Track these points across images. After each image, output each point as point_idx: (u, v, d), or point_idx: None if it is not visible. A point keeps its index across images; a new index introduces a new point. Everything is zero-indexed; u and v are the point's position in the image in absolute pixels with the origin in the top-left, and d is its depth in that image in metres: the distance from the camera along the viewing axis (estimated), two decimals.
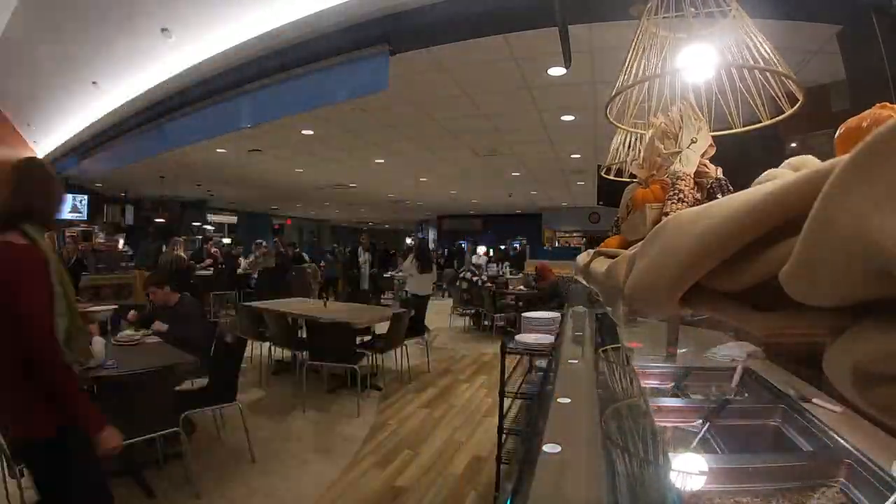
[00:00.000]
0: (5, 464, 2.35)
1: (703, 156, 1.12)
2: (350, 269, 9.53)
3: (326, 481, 2.90)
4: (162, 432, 2.54)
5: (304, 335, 4.66)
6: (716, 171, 1.10)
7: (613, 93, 1.33)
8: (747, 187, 0.41)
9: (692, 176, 1.07)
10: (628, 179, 1.68)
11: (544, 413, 1.25)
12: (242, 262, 9.17)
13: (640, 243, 0.49)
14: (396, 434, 3.64)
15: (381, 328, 4.84)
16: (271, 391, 3.23)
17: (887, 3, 2.53)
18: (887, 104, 0.64)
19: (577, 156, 7.76)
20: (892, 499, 0.90)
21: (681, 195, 1.02)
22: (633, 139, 1.70)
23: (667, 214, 0.99)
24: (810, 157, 0.72)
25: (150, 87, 5.28)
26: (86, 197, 9.82)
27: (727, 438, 1.34)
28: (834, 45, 2.99)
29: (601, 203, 7.29)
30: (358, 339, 4.69)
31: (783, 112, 1.21)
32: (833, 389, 1.36)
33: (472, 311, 8.12)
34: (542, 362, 2.66)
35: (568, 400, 1.29)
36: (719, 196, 1.00)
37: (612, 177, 1.88)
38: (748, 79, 1.21)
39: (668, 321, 2.04)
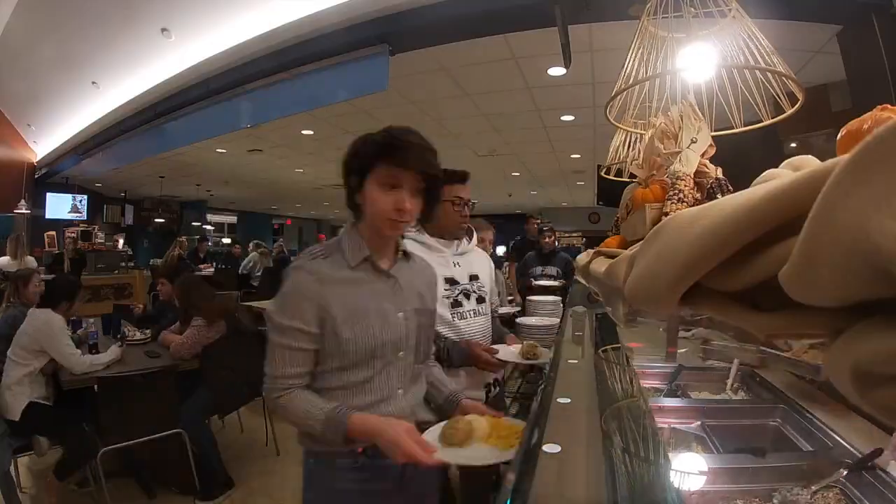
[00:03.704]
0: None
1: (702, 156, 1.12)
2: None
3: None
4: (163, 433, 2.54)
5: None
6: (716, 171, 1.10)
7: (613, 93, 1.33)
8: (747, 187, 0.41)
9: (692, 176, 1.07)
10: (628, 179, 1.68)
11: (544, 413, 1.25)
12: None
13: (639, 243, 0.50)
14: None
15: None
16: None
17: (887, 3, 2.53)
18: (888, 106, 0.64)
19: (577, 156, 7.75)
20: None
21: (680, 195, 1.02)
22: (632, 139, 1.70)
23: (667, 214, 1.00)
24: (810, 157, 0.72)
25: (149, 87, 5.28)
26: (86, 197, 9.80)
27: (727, 438, 1.33)
28: (834, 45, 2.99)
29: (601, 203, 7.28)
30: None
31: (783, 112, 1.21)
32: (833, 389, 1.36)
33: None
34: None
35: (568, 400, 1.29)
36: (719, 196, 1.00)
37: (611, 177, 1.88)
38: (748, 79, 1.21)
39: (668, 321, 2.04)
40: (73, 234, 8.23)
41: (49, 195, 9.19)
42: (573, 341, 2.05)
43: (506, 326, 2.29)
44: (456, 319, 1.68)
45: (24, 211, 8.32)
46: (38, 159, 8.76)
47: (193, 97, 5.07)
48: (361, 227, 1.16)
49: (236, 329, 3.01)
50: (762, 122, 1.25)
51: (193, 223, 14.52)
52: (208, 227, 15.38)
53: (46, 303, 2.61)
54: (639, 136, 1.59)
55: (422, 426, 1.11)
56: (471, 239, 1.83)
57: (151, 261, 10.39)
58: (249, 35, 4.09)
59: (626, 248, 0.83)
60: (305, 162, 8.55)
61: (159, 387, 2.59)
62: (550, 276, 4.38)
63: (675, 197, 1.02)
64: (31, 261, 6.26)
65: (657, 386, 1.78)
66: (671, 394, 1.65)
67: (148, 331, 3.31)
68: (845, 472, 1.02)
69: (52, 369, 2.57)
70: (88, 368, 2.52)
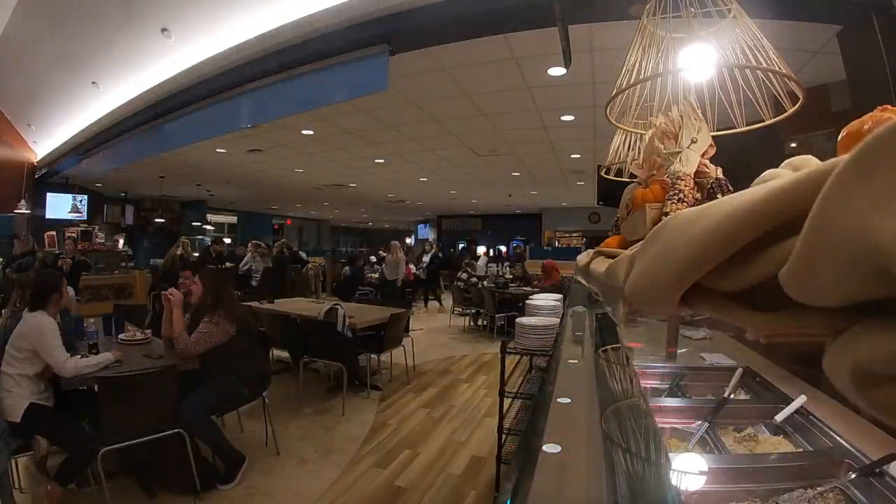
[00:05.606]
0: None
1: (703, 156, 1.12)
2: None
3: (326, 481, 2.90)
4: (164, 433, 2.54)
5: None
6: (716, 171, 1.10)
7: (613, 93, 1.33)
8: (747, 187, 0.41)
9: (692, 176, 1.07)
10: (628, 179, 1.68)
11: (544, 413, 1.25)
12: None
13: (640, 243, 0.49)
14: (396, 434, 3.64)
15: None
16: (271, 391, 3.24)
17: (887, 4, 2.53)
18: (888, 107, 0.64)
19: (577, 156, 7.75)
20: None
21: (681, 195, 1.02)
22: (633, 139, 1.70)
23: (667, 214, 0.99)
24: (810, 157, 0.72)
25: (149, 87, 5.28)
26: (86, 197, 9.81)
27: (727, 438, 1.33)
28: (834, 45, 2.99)
29: (601, 203, 7.28)
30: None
31: (783, 112, 1.21)
32: (833, 389, 1.36)
33: (473, 311, 8.14)
34: (542, 362, 2.66)
35: (568, 400, 1.29)
36: (719, 196, 1.00)
37: (612, 177, 1.88)
38: (749, 79, 1.21)
39: (669, 321, 2.04)
40: (73, 235, 8.23)
41: (49, 195, 9.19)
42: (573, 341, 2.05)
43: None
44: None
45: (24, 211, 8.32)
46: (38, 159, 8.76)
47: (193, 97, 5.06)
48: None
49: (244, 330, 3.01)
50: (762, 121, 1.25)
51: (193, 223, 14.53)
52: (208, 226, 15.37)
53: (38, 302, 2.59)
54: (639, 136, 1.59)
55: None
56: None
57: (151, 261, 10.40)
58: (249, 35, 4.09)
59: (626, 248, 0.83)
60: (305, 162, 8.55)
61: (159, 387, 2.59)
62: None
63: (675, 197, 1.02)
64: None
65: (657, 386, 1.78)
66: (672, 394, 1.65)
67: (149, 331, 3.32)
68: (853, 476, 1.01)
69: (53, 373, 2.57)
70: (75, 372, 2.47)
